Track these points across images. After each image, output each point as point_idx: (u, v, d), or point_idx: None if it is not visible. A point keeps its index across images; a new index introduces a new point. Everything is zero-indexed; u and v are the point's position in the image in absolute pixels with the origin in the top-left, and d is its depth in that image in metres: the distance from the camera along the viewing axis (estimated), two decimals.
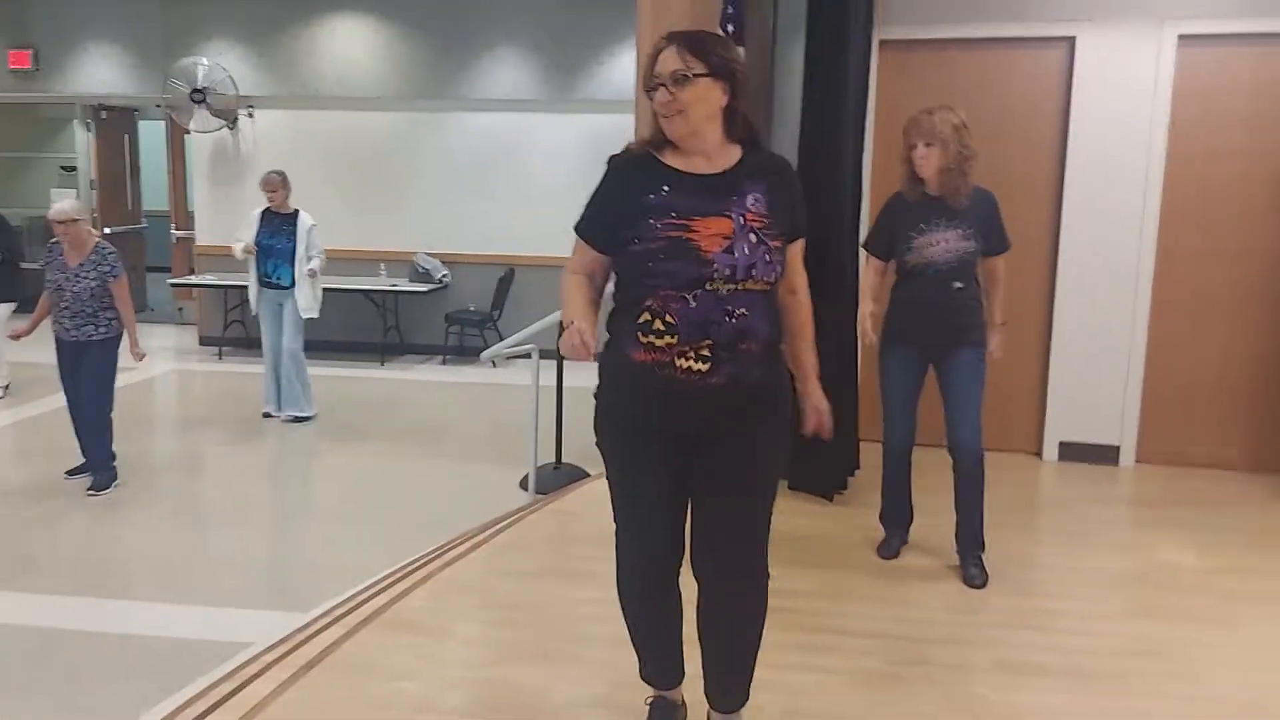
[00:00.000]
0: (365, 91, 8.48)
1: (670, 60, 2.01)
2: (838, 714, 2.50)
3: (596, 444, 2.20)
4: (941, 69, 4.83)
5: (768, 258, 2.02)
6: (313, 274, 6.17)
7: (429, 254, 8.46)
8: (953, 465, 3.46)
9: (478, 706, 2.51)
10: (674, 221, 2.01)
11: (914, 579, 3.41)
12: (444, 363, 8.45)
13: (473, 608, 3.13)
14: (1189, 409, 4.76)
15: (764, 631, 2.23)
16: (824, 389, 2.25)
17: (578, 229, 2.17)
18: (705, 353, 2.00)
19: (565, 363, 5.16)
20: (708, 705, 2.30)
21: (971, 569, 3.44)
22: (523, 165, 8.39)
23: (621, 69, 7.83)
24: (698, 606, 2.21)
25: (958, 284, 3.38)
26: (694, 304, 1.99)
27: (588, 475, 4.79)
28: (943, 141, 3.29)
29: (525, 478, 4.87)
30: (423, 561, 3.55)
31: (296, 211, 6.25)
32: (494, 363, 7.96)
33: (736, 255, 1.99)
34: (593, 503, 4.28)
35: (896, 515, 3.68)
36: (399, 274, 8.46)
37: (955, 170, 3.31)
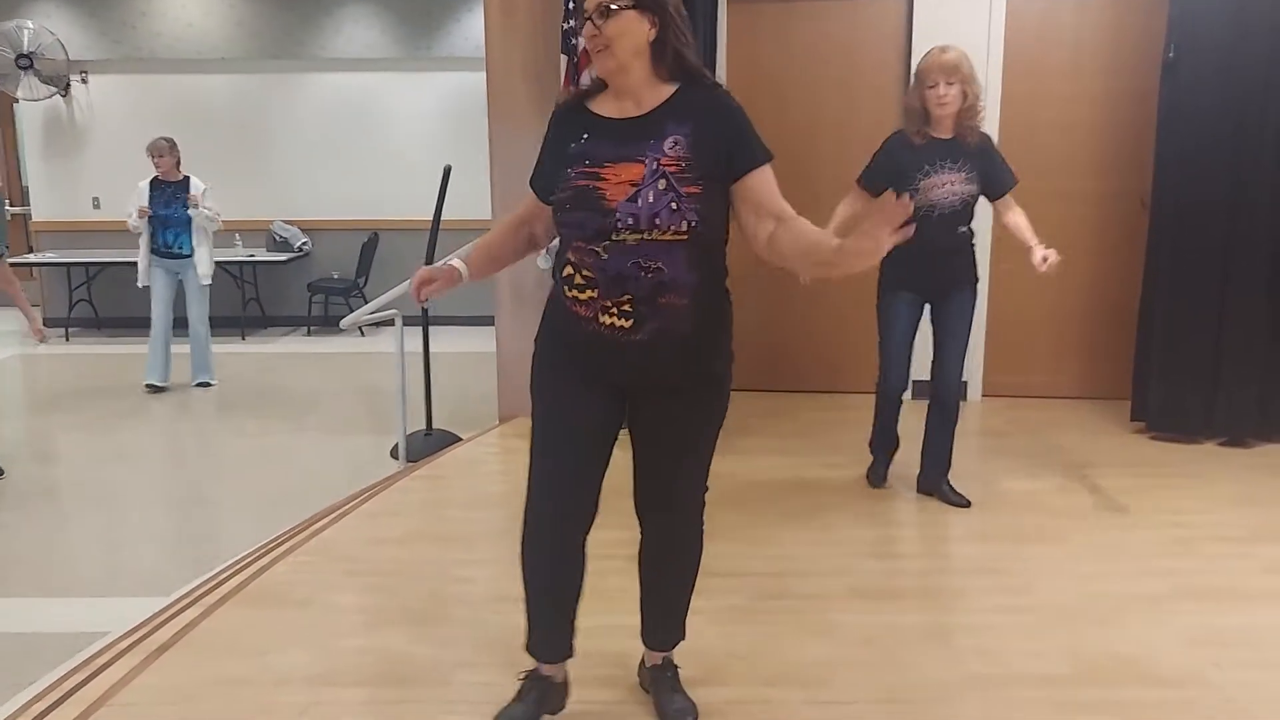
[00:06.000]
0: (208, 53, 8.06)
1: None
2: (703, 650, 2.59)
3: (530, 388, 2.13)
4: (789, 23, 4.93)
5: (674, 205, 1.88)
6: (203, 213, 6.11)
7: (286, 221, 8.17)
8: (931, 398, 3.61)
9: (340, 674, 2.48)
10: (585, 170, 1.94)
11: (774, 519, 3.54)
12: (309, 334, 8.21)
13: (338, 576, 3.09)
14: (1027, 344, 5.07)
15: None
16: None
17: (530, 180, 2.13)
18: (626, 308, 1.93)
19: (431, 328, 5.09)
20: (644, 645, 2.33)
21: (951, 494, 3.62)
22: (381, 126, 8.17)
23: (477, 24, 7.64)
24: (639, 548, 2.23)
25: (961, 228, 3.42)
26: (605, 256, 1.91)
27: (459, 439, 4.77)
28: (964, 79, 3.28)
29: (396, 446, 4.81)
30: (288, 535, 3.48)
31: (188, 178, 6.14)
32: (361, 331, 7.79)
33: (639, 204, 1.88)
34: (464, 466, 4.27)
35: (885, 444, 3.84)
36: (255, 243, 8.14)
37: (973, 109, 3.33)
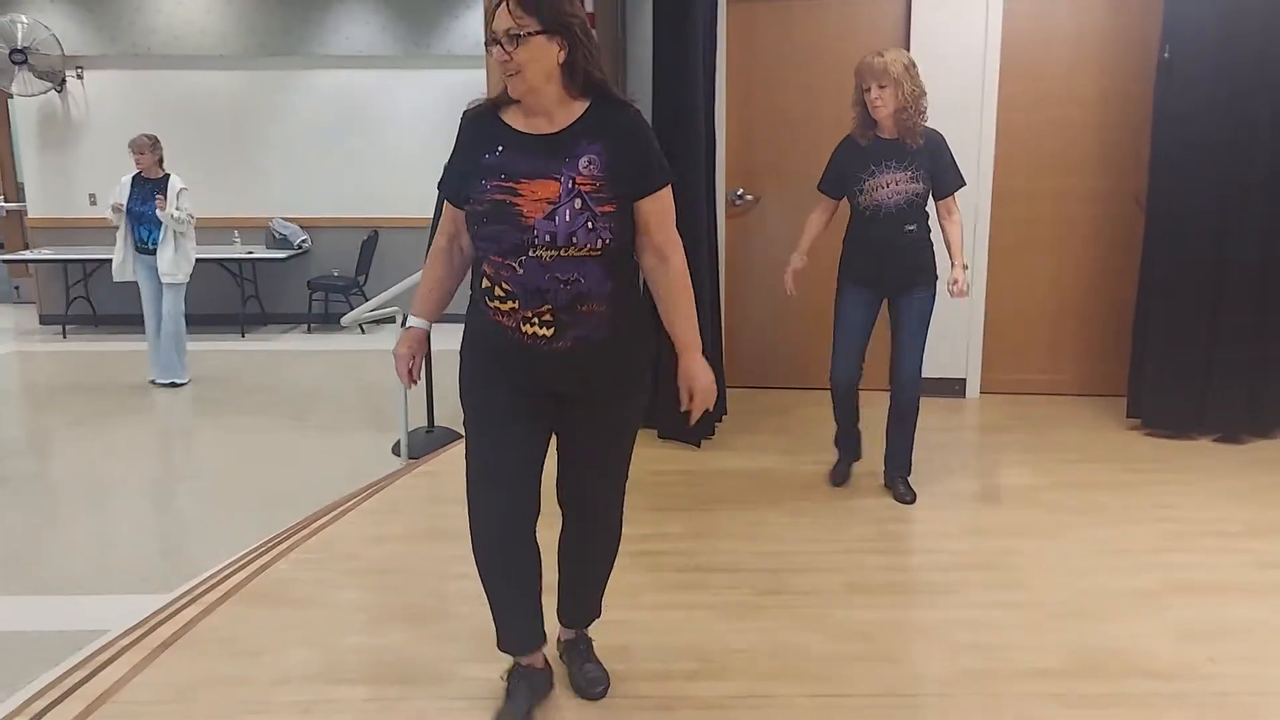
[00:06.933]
0: (205, 49, 8.04)
1: (503, 18, 1.92)
2: (702, 645, 2.62)
3: (459, 394, 2.18)
4: (789, 22, 4.94)
5: (590, 225, 1.94)
6: (170, 215, 6.04)
7: (286, 219, 8.17)
8: (891, 395, 3.62)
9: (342, 672, 2.50)
10: (500, 184, 1.97)
11: (774, 516, 3.55)
12: (309, 331, 8.21)
13: (339, 574, 3.10)
14: (1025, 341, 5.09)
15: (617, 560, 2.39)
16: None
17: (439, 185, 2.16)
18: (547, 317, 1.99)
19: (432, 324, 5.10)
20: (559, 623, 2.43)
21: (900, 488, 3.66)
22: (381, 124, 8.16)
23: (476, 21, 7.66)
24: (560, 536, 2.32)
25: (909, 226, 3.44)
26: (522, 271, 1.97)
27: (461, 436, 4.77)
28: (896, 81, 3.31)
29: (397, 443, 4.82)
30: (288, 533, 3.49)
31: (168, 176, 6.14)
32: (361, 328, 7.80)
33: (556, 222, 1.93)
34: (465, 463, 4.28)
35: (844, 445, 3.86)
36: (255, 241, 8.14)
37: (910, 110, 3.35)
